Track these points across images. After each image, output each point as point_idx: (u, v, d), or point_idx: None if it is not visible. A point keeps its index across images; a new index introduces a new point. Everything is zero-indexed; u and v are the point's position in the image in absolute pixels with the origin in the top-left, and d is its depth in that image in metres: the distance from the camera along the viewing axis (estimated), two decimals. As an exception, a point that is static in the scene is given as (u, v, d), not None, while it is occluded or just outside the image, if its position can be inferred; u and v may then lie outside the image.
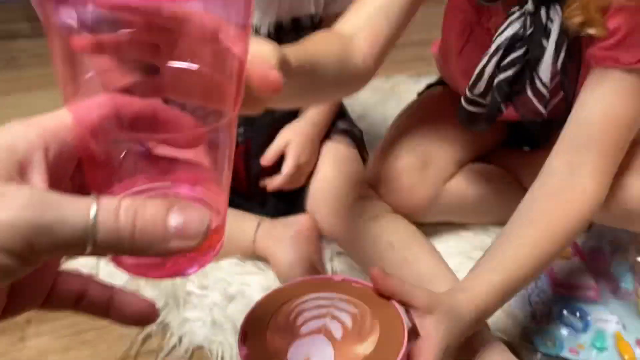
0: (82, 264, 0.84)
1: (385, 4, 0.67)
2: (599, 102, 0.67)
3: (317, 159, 0.90)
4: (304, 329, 0.50)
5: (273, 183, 0.87)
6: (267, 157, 0.87)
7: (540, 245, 0.64)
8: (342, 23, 0.68)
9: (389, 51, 0.70)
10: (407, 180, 0.87)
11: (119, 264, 0.34)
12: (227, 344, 0.73)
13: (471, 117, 0.78)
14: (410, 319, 0.54)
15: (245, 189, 0.90)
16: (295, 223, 0.86)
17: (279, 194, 0.88)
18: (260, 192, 0.89)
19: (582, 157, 0.67)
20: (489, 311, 0.61)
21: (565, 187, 0.66)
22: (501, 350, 0.68)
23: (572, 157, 0.67)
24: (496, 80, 0.73)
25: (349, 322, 0.51)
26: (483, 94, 0.75)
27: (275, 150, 0.87)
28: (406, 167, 0.87)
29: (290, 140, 0.87)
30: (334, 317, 0.52)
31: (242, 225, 0.85)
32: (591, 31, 0.66)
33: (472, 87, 0.75)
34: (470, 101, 0.77)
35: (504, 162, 1.00)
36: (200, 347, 0.74)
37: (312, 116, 0.90)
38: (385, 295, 0.53)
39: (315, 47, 0.58)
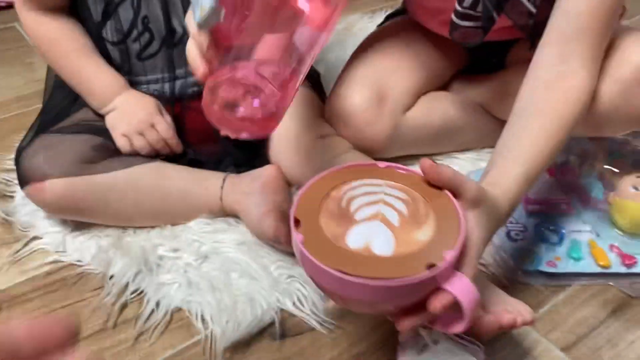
0: (47, 242, 0.81)
1: None
2: None
3: None
4: (358, 215, 0.50)
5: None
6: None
7: (553, 133, 0.65)
8: None
9: None
10: (363, 115, 0.85)
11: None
12: (206, 303, 0.72)
13: (464, 32, 0.79)
14: None
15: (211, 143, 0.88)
16: (262, 175, 0.83)
17: (241, 145, 0.85)
18: (223, 146, 0.86)
19: (572, 48, 0.67)
20: (517, 204, 0.62)
21: (560, 77, 0.67)
22: (485, 283, 0.68)
23: (562, 49, 0.68)
24: None
25: (403, 208, 0.51)
26: (473, 5, 0.76)
27: None
28: (362, 102, 0.85)
29: None
30: (386, 204, 0.52)
31: (206, 183, 0.83)
32: None
33: (461, 0, 0.75)
34: (461, 15, 0.77)
35: (463, 90, 0.99)
36: (178, 309, 0.73)
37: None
38: (434, 185, 0.53)
39: None
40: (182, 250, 0.79)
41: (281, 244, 0.76)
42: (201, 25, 0.49)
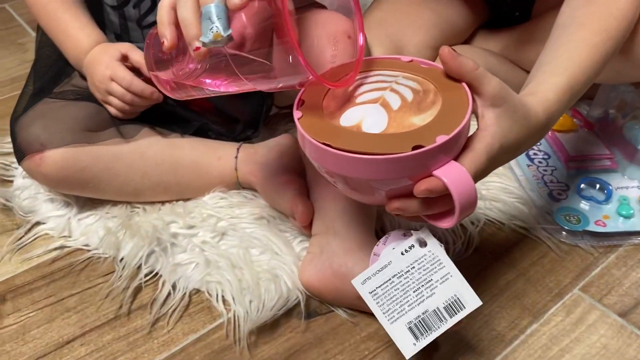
0: (51, 227, 0.75)
1: None
2: None
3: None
4: (360, 98, 0.50)
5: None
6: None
7: (597, 45, 0.59)
8: None
9: None
10: None
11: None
12: (226, 282, 0.66)
13: None
14: (474, 108, 0.49)
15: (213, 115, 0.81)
16: (278, 144, 0.77)
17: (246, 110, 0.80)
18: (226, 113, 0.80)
19: None
20: (556, 115, 0.56)
21: None
22: None
23: None
24: None
25: (409, 95, 0.49)
26: None
27: None
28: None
29: None
30: (393, 91, 0.50)
31: (219, 152, 0.76)
32: None
33: None
34: None
35: (486, 42, 0.92)
36: (197, 291, 0.67)
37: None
38: (455, 78, 0.49)
39: None
40: (198, 227, 0.73)
41: (295, 222, 0.70)
42: (205, 45, 0.45)
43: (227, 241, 0.72)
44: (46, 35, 0.77)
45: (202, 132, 0.79)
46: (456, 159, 0.47)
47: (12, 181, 0.82)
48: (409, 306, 0.51)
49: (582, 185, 0.75)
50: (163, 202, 0.76)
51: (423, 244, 0.53)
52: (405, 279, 0.52)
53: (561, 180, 0.77)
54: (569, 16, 0.63)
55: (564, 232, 0.71)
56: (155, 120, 0.75)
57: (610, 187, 0.75)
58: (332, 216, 0.66)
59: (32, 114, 0.71)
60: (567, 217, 0.72)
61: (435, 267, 0.53)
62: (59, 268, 0.71)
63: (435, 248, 0.53)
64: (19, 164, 0.72)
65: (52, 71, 0.78)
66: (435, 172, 0.46)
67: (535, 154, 0.81)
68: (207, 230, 0.73)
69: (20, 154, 0.70)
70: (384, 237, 0.55)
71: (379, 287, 0.52)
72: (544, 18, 0.85)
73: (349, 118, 0.48)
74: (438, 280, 0.52)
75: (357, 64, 0.50)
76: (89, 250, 0.72)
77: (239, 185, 0.77)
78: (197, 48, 0.45)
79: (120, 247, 0.70)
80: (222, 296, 0.66)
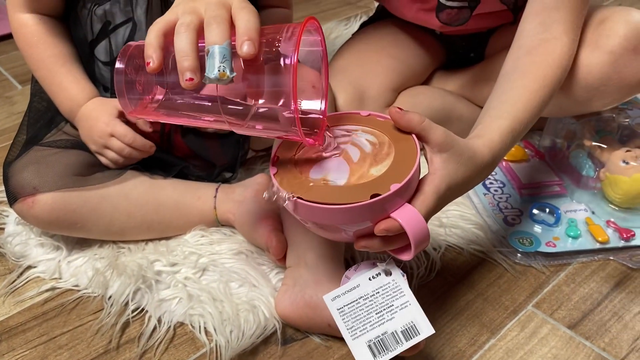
0: (42, 270, 0.80)
1: None
2: None
3: None
4: (326, 152, 0.57)
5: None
6: None
7: (535, 91, 0.67)
8: None
9: None
10: None
11: None
12: (208, 315, 0.71)
13: (450, 13, 0.82)
14: (424, 154, 0.57)
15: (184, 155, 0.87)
16: (253, 183, 0.83)
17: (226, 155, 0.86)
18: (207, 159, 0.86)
19: (553, 17, 0.70)
20: (500, 154, 0.63)
21: (542, 43, 0.70)
22: None
23: (543, 18, 0.71)
24: None
25: (367, 147, 0.57)
26: None
27: None
28: (344, 104, 0.86)
29: None
30: (354, 144, 0.57)
31: (199, 192, 0.82)
32: None
33: None
34: None
35: (444, 83, 1.00)
36: (181, 324, 0.72)
37: None
38: (406, 131, 0.57)
39: None
40: (180, 264, 0.78)
41: (271, 255, 0.76)
42: (209, 81, 0.49)
43: (208, 276, 0.77)
44: (38, 86, 0.83)
45: (183, 174, 0.85)
46: (410, 200, 0.54)
47: (3, 228, 0.87)
48: (370, 326, 0.57)
49: (534, 210, 0.82)
50: (147, 242, 0.82)
51: (388, 273, 0.60)
52: (370, 301, 0.59)
53: (515, 207, 0.83)
54: (512, 65, 0.70)
55: (518, 254, 0.77)
56: (140, 165, 0.81)
57: (560, 211, 0.82)
58: (303, 249, 0.72)
59: (25, 160, 0.77)
60: (521, 240, 0.78)
61: (397, 295, 0.59)
62: (51, 308, 0.75)
63: (398, 278, 0.60)
64: (11, 207, 0.77)
65: (44, 120, 0.84)
66: (392, 215, 0.53)
67: (491, 183, 0.88)
68: (189, 266, 0.78)
69: (13, 197, 0.76)
70: (355, 265, 0.62)
71: (347, 305, 0.58)
72: (495, 58, 0.93)
73: (317, 171, 0.56)
74: (398, 306, 0.58)
75: (323, 123, 0.57)
76: (78, 290, 0.77)
77: (217, 223, 0.83)
78: (190, 79, 0.49)
79: (108, 285, 0.75)
80: (205, 327, 0.70)
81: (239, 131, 0.55)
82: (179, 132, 0.85)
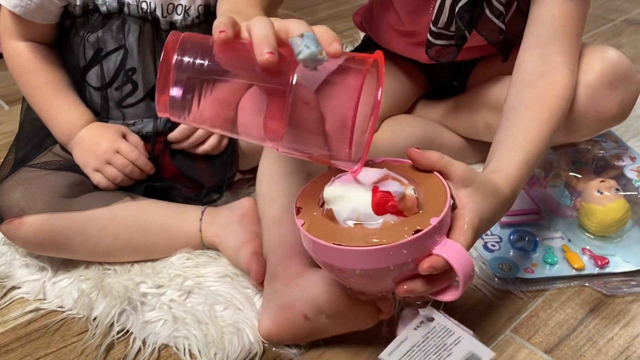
0: (26, 291, 0.80)
1: None
2: None
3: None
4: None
5: (171, 136, 0.84)
6: (175, 134, 0.85)
7: (544, 123, 0.69)
8: None
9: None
10: (329, 139, 0.87)
11: None
12: (192, 337, 0.72)
13: (438, 50, 0.85)
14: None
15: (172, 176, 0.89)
16: (239, 206, 0.85)
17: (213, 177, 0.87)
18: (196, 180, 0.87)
19: (550, 49, 0.73)
20: (519, 187, 0.65)
21: (543, 75, 0.73)
22: None
23: (541, 51, 0.74)
24: (457, 8, 0.79)
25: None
26: (447, 25, 0.81)
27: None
28: (328, 129, 0.87)
29: None
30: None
31: (185, 215, 0.83)
32: None
33: (436, 20, 0.82)
34: (436, 35, 0.83)
35: (426, 112, 1.03)
36: (166, 346, 0.72)
37: None
38: (424, 170, 0.58)
39: None
40: (165, 287, 0.79)
41: (251, 279, 0.77)
42: (304, 58, 0.48)
43: (193, 299, 0.78)
44: (29, 112, 0.85)
45: (169, 196, 0.86)
46: (447, 236, 0.54)
47: (-12, 249, 0.87)
48: None
49: (513, 237, 0.84)
50: (132, 264, 0.82)
51: (431, 319, 0.61)
52: (424, 347, 0.61)
53: (495, 234, 0.86)
54: (515, 99, 0.73)
55: (497, 279, 0.79)
56: (129, 187, 0.82)
57: (537, 239, 0.84)
58: (273, 264, 0.73)
59: (13, 181, 0.77)
60: (500, 266, 0.80)
61: (447, 334, 0.62)
62: (35, 329, 0.75)
63: (441, 320, 0.61)
64: None
65: (33, 142, 0.85)
66: (434, 251, 0.53)
67: (472, 210, 0.91)
68: (175, 289, 0.78)
69: (0, 218, 0.76)
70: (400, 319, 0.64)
71: (402, 357, 0.60)
72: (478, 89, 0.96)
73: (347, 219, 0.55)
74: (452, 343, 0.61)
75: (365, 153, 0.56)
76: (63, 312, 0.77)
77: (203, 245, 0.84)
78: (270, 52, 0.47)
79: (94, 307, 0.76)
80: (189, 350, 0.71)
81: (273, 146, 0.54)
82: (168, 154, 0.86)
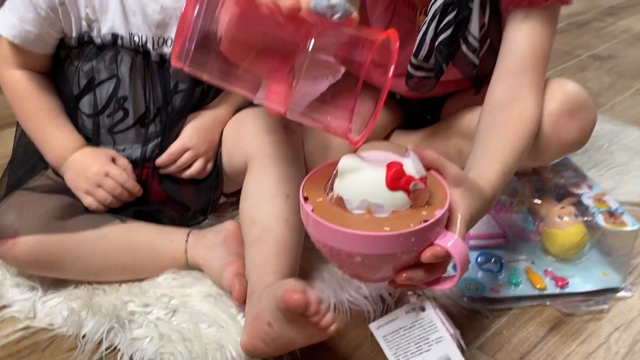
0: (17, 310, 0.83)
1: None
2: (526, 35, 0.82)
3: (217, 149, 0.92)
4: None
5: (158, 160, 0.89)
6: (163, 159, 0.89)
7: (516, 141, 0.77)
8: None
9: None
10: (311, 162, 0.93)
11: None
12: (178, 353, 0.75)
13: (417, 81, 0.92)
14: None
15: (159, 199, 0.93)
16: (222, 229, 0.89)
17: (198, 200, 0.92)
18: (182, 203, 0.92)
19: (519, 80, 0.82)
20: (498, 192, 0.72)
21: (513, 102, 0.80)
22: None
23: (511, 81, 0.82)
24: (437, 43, 0.86)
25: None
26: (427, 58, 0.88)
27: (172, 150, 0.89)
28: (311, 149, 0.94)
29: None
30: None
31: (172, 236, 0.88)
32: None
33: (417, 53, 0.89)
34: (416, 67, 0.90)
35: (401, 140, 1.09)
36: (152, 362, 0.76)
37: (215, 110, 0.91)
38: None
39: None
40: (152, 305, 0.82)
41: (233, 299, 0.81)
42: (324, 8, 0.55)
43: (179, 317, 0.81)
44: (23, 136, 0.89)
45: (157, 219, 0.91)
46: (447, 228, 0.60)
47: (-22, 270, 0.90)
48: (411, 354, 0.65)
49: (480, 260, 0.90)
50: (120, 283, 0.86)
51: (422, 309, 0.67)
52: (409, 332, 0.67)
53: (463, 256, 0.91)
54: (490, 121, 0.80)
55: (465, 299, 0.84)
56: (118, 209, 0.87)
57: (503, 261, 0.90)
58: (252, 282, 0.78)
59: (8, 203, 0.81)
60: (468, 286, 0.86)
61: (432, 330, 0.66)
62: (25, 347, 0.78)
63: (431, 314, 0.66)
64: None
65: (27, 166, 0.89)
66: (436, 242, 0.58)
67: (443, 234, 0.96)
68: (161, 307, 0.82)
69: None
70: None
71: (389, 334, 0.66)
72: (450, 119, 1.03)
73: (357, 208, 0.59)
74: (434, 340, 0.66)
75: (370, 125, 0.63)
76: (53, 329, 0.80)
77: (188, 266, 0.88)
78: None
79: (83, 325, 0.79)
80: (175, 365, 0.75)
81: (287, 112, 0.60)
82: (155, 179, 0.91)
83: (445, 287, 0.63)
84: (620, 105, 1.48)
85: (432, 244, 0.59)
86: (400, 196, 0.59)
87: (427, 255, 0.59)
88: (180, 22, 0.60)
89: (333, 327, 0.67)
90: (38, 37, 0.82)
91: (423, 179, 0.60)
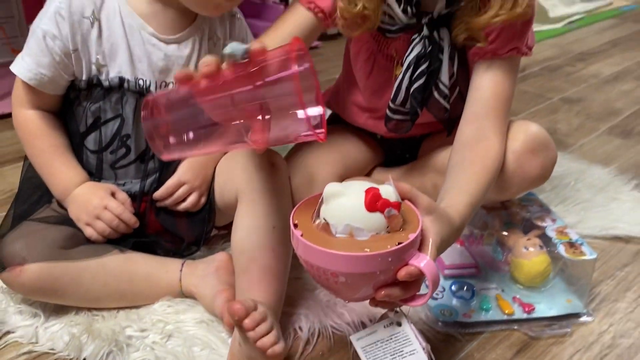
0: (20, 335, 0.88)
1: (301, 32, 0.95)
2: (490, 83, 0.93)
3: (210, 184, 0.99)
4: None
5: (156, 194, 0.95)
6: (160, 193, 0.96)
7: (483, 176, 0.86)
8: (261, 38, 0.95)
9: None
10: (297, 192, 1.01)
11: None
12: (173, 375, 0.81)
13: (395, 123, 1.01)
14: None
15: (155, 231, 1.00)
16: (215, 260, 0.96)
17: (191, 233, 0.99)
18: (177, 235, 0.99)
19: (484, 122, 0.91)
20: (465, 222, 0.80)
21: (479, 142, 0.90)
22: None
23: (477, 124, 0.91)
24: (411, 90, 0.96)
25: None
26: (403, 103, 0.98)
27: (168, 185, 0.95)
28: (298, 183, 1.02)
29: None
30: None
31: (167, 267, 0.94)
32: (477, 44, 0.92)
33: (394, 99, 0.98)
34: (394, 111, 1.00)
35: (380, 177, 1.17)
36: (149, 383, 0.82)
37: None
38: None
39: None
40: (149, 330, 0.88)
41: (225, 325, 0.87)
42: (228, 53, 0.65)
43: (173, 341, 0.87)
44: (30, 170, 0.96)
45: (153, 250, 0.97)
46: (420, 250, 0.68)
47: (-18, 297, 0.95)
48: None
49: (454, 287, 0.97)
50: (118, 310, 0.92)
51: (399, 324, 0.74)
52: (385, 345, 0.73)
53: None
54: (459, 158, 0.89)
55: (440, 323, 0.91)
56: (118, 240, 0.93)
57: (475, 288, 0.97)
58: None
59: (16, 233, 0.87)
60: (442, 312, 0.92)
61: (406, 343, 0.73)
62: (27, 370, 0.84)
63: (406, 328, 0.74)
64: None
65: (33, 199, 0.95)
66: (410, 261, 0.66)
67: (419, 264, 1.04)
68: (157, 332, 0.88)
69: (1, 266, 0.86)
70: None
71: (368, 345, 0.72)
72: (427, 157, 1.11)
73: (341, 233, 0.67)
74: (408, 352, 0.72)
75: (323, 119, 0.68)
76: (54, 354, 0.85)
77: (182, 294, 0.94)
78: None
79: (83, 349, 0.84)
80: (169, 386, 0.80)
81: (255, 139, 0.68)
82: (153, 212, 0.97)
83: (419, 303, 0.70)
84: (587, 146, 1.58)
85: (407, 264, 0.67)
86: (378, 219, 0.66)
87: (402, 273, 0.66)
88: (150, 127, 0.69)
89: (274, 350, 0.76)
90: (52, 79, 0.89)
91: (397, 203, 0.67)
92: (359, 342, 0.73)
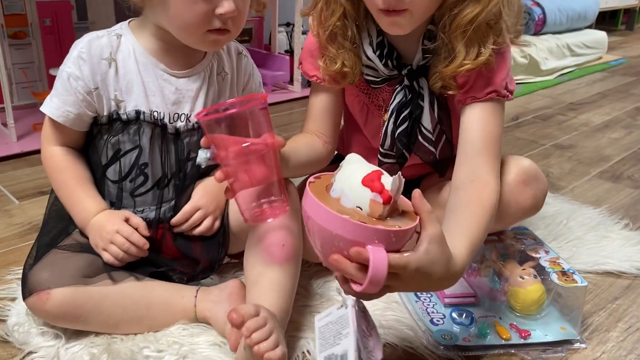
0: (42, 355, 0.93)
1: (326, 105, 1.08)
2: (477, 125, 0.98)
3: (223, 209, 1.05)
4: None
5: (173, 220, 1.01)
6: (177, 218, 1.02)
7: (481, 217, 0.88)
8: (304, 127, 1.09)
9: (338, 132, 1.11)
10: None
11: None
12: (188, 392, 0.86)
13: (387, 167, 1.07)
14: (418, 236, 0.73)
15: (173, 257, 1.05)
16: (227, 286, 1.01)
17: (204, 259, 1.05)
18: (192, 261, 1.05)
19: (477, 163, 0.95)
20: (466, 265, 0.81)
21: (474, 183, 0.93)
22: None
23: (470, 165, 0.96)
24: (396, 134, 1.04)
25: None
26: (391, 147, 1.06)
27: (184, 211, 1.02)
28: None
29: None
30: None
31: (183, 292, 0.99)
32: (450, 92, 0.99)
33: (382, 144, 1.06)
34: (383, 155, 1.08)
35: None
36: (165, 399, 0.86)
37: None
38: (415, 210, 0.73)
39: (295, 142, 1.01)
40: (165, 351, 0.93)
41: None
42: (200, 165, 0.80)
43: (188, 362, 0.92)
44: (55, 204, 1.02)
45: (168, 277, 1.02)
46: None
47: (5, 320, 1.00)
48: (329, 346, 0.74)
49: (454, 314, 1.02)
50: (136, 333, 0.97)
51: (346, 306, 0.76)
52: (333, 326, 0.76)
53: (440, 311, 1.04)
54: (456, 201, 0.93)
55: (441, 347, 0.96)
56: (135, 265, 0.99)
57: (473, 316, 1.02)
58: None
59: (43, 262, 0.93)
60: (443, 336, 0.97)
61: (345, 325, 0.75)
62: (49, 387, 0.88)
63: (349, 311, 0.75)
64: (24, 300, 0.92)
65: (57, 229, 1.02)
66: (368, 246, 0.67)
67: (421, 293, 1.09)
68: (172, 353, 0.92)
69: (28, 292, 0.91)
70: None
71: (323, 326, 0.76)
72: (426, 191, 1.18)
73: (335, 192, 0.72)
74: (344, 334, 0.74)
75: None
76: (75, 373, 0.90)
77: (196, 319, 0.99)
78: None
79: (103, 371, 0.89)
80: (185, 402, 0.85)
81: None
82: (170, 237, 1.03)
83: (354, 288, 0.70)
84: (579, 189, 1.65)
85: (364, 246, 0.67)
86: (365, 195, 0.69)
87: (353, 249, 0.67)
88: None
89: (270, 356, 0.80)
90: (77, 116, 0.97)
91: (388, 195, 0.70)
92: (318, 323, 0.77)
